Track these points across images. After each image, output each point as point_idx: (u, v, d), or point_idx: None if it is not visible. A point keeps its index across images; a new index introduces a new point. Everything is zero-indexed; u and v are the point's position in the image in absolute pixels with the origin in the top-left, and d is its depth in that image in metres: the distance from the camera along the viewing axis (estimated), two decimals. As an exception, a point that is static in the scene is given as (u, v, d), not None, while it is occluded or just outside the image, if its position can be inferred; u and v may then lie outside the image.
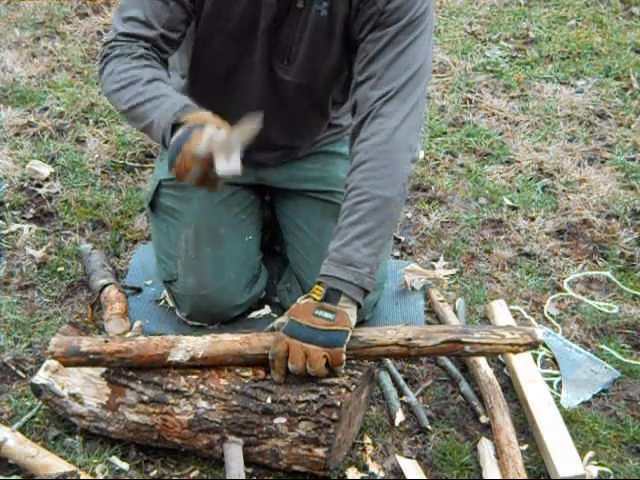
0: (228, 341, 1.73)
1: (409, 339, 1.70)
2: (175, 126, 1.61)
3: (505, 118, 3.03)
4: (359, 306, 1.71)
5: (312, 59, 1.86)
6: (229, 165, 1.53)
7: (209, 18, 1.83)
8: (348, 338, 1.66)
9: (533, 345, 1.74)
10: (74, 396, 1.74)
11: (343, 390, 1.65)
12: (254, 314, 2.14)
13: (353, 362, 1.71)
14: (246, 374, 1.70)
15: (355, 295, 1.69)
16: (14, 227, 2.42)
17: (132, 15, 1.77)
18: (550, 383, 1.96)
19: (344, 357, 1.65)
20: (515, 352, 1.75)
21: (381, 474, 1.74)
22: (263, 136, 2.01)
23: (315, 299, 1.67)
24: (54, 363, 1.75)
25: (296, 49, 1.85)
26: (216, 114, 1.99)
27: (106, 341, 1.72)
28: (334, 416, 1.62)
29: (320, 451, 1.64)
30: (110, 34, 1.80)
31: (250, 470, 1.71)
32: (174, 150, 1.57)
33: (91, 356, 1.70)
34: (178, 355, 1.71)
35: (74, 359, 1.71)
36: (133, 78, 1.71)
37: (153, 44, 1.77)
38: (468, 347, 1.70)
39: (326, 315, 1.65)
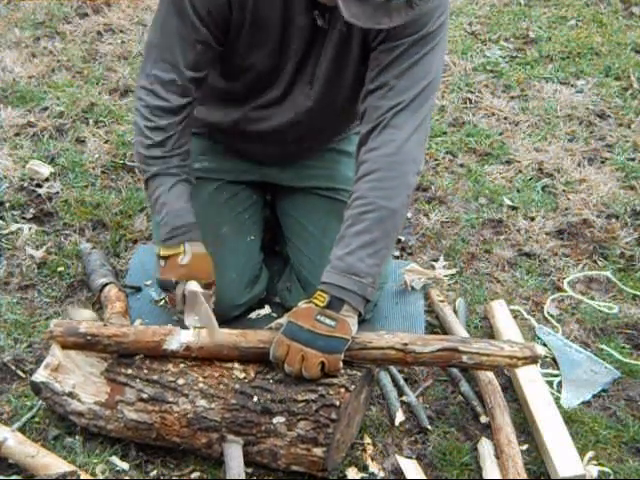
0: (225, 333, 1.74)
1: (405, 344, 1.69)
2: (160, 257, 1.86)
3: (505, 118, 3.03)
4: (360, 314, 1.72)
5: (331, 80, 1.85)
6: (198, 321, 1.79)
7: (243, 50, 1.83)
8: (347, 347, 1.66)
9: (532, 359, 1.73)
10: (73, 394, 1.74)
11: (342, 390, 1.65)
12: (254, 314, 2.14)
13: (352, 363, 1.71)
14: (245, 373, 1.70)
15: (357, 304, 1.70)
16: (14, 227, 2.42)
17: (159, 57, 1.80)
18: (550, 383, 1.96)
19: (341, 365, 1.66)
20: (514, 366, 1.74)
21: (381, 474, 1.74)
22: (273, 151, 2.03)
23: (317, 305, 1.67)
24: (54, 361, 1.75)
25: (319, 71, 1.84)
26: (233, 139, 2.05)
27: (105, 325, 1.77)
28: (333, 416, 1.62)
29: (319, 451, 1.63)
30: (141, 76, 1.85)
31: (250, 470, 1.71)
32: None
33: (89, 337, 1.73)
34: (174, 343, 1.72)
35: (72, 339, 1.74)
36: (145, 164, 1.87)
37: (182, 88, 1.81)
38: (465, 357, 1.69)
39: (327, 321, 1.65)
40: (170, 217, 1.84)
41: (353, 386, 1.66)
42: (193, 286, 1.81)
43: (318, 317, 1.65)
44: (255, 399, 1.66)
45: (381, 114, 1.75)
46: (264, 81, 1.89)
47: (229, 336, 1.73)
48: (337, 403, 1.63)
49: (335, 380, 1.66)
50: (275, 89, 1.90)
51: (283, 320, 1.71)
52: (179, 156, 1.86)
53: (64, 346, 1.75)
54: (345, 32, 1.77)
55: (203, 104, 2.03)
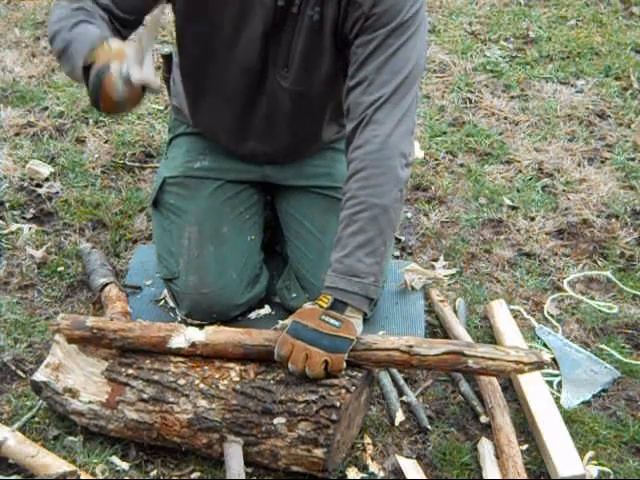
0: (229, 331, 1.75)
1: (410, 346, 1.69)
2: (86, 68, 1.64)
3: (505, 118, 3.03)
4: (365, 314, 1.72)
5: (307, 65, 1.86)
6: (143, 73, 1.56)
7: (198, 20, 1.83)
8: (351, 347, 1.66)
9: (538, 365, 1.71)
10: (74, 393, 1.74)
11: (343, 391, 1.64)
12: (254, 314, 2.14)
13: (354, 364, 1.70)
14: (246, 374, 1.70)
15: (361, 305, 1.69)
16: (14, 227, 2.42)
17: None
18: (550, 383, 1.96)
19: (344, 364, 1.65)
20: (520, 372, 1.72)
21: (381, 474, 1.74)
22: (266, 142, 2.03)
23: (322, 306, 1.67)
24: (54, 360, 1.76)
25: (292, 55, 1.84)
26: (215, 117, 1.97)
27: (111, 319, 1.78)
28: (333, 417, 1.62)
29: (319, 452, 1.63)
30: None
31: (250, 470, 1.71)
32: (95, 100, 1.65)
33: (95, 331, 1.74)
34: (179, 340, 1.72)
35: (78, 333, 1.74)
36: (62, 25, 1.74)
37: (102, 7, 1.77)
38: (471, 361, 1.68)
39: (332, 321, 1.65)
40: (89, 36, 1.68)
41: (354, 387, 1.65)
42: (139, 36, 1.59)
43: (323, 317, 1.65)
44: (256, 400, 1.66)
45: (363, 110, 1.74)
46: (226, 56, 1.88)
47: (234, 334, 1.73)
48: (338, 404, 1.62)
49: (336, 381, 1.65)
50: (242, 68, 1.88)
51: (287, 321, 1.71)
52: (95, 15, 1.76)
53: (70, 340, 1.75)
54: (317, 19, 1.77)
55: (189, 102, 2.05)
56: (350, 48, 1.78)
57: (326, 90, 1.92)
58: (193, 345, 1.72)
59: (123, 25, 1.82)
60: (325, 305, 1.67)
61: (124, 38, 1.81)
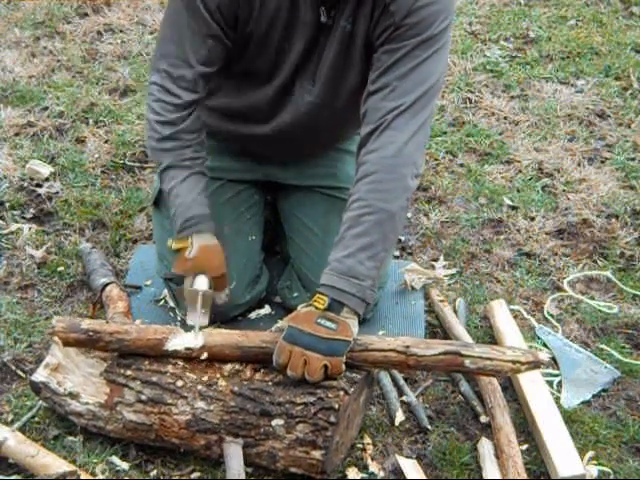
0: (226, 333, 1.74)
1: (407, 346, 1.68)
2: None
3: (505, 118, 3.03)
4: (359, 317, 1.71)
5: (334, 79, 1.85)
6: (199, 320, 1.80)
7: (251, 45, 1.84)
8: (349, 348, 1.65)
9: (535, 365, 1.70)
10: (72, 394, 1.74)
11: (341, 393, 1.64)
12: (254, 314, 2.14)
13: (353, 366, 1.69)
14: (244, 375, 1.70)
15: (357, 307, 1.69)
16: (14, 227, 2.42)
17: (171, 52, 1.81)
18: (550, 383, 1.96)
19: (344, 367, 1.65)
20: (517, 371, 1.71)
21: (381, 474, 1.74)
22: (278, 152, 2.03)
23: (317, 308, 1.66)
24: (53, 361, 1.75)
25: (321, 69, 1.84)
26: (234, 127, 2.02)
27: (107, 322, 1.77)
28: (332, 419, 1.61)
29: (317, 454, 1.63)
30: (153, 71, 1.85)
31: (250, 470, 1.71)
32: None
33: (90, 334, 1.73)
34: (176, 342, 1.72)
35: (74, 336, 1.74)
36: (157, 157, 1.89)
37: (192, 84, 1.81)
38: (468, 361, 1.67)
39: (328, 324, 1.64)
40: (181, 209, 1.85)
41: (352, 389, 1.65)
42: (199, 283, 1.81)
43: (318, 320, 1.65)
44: (254, 401, 1.66)
45: (382, 116, 1.74)
46: (262, 76, 1.88)
47: (231, 336, 1.73)
48: (336, 406, 1.62)
49: (334, 383, 1.65)
50: (273, 84, 1.89)
51: (283, 324, 1.71)
52: (191, 147, 1.86)
53: (66, 343, 1.75)
54: (349, 30, 1.77)
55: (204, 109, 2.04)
56: (374, 54, 1.78)
57: (349, 103, 1.91)
58: (190, 348, 1.72)
59: (208, 79, 1.85)
60: (321, 306, 1.66)
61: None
